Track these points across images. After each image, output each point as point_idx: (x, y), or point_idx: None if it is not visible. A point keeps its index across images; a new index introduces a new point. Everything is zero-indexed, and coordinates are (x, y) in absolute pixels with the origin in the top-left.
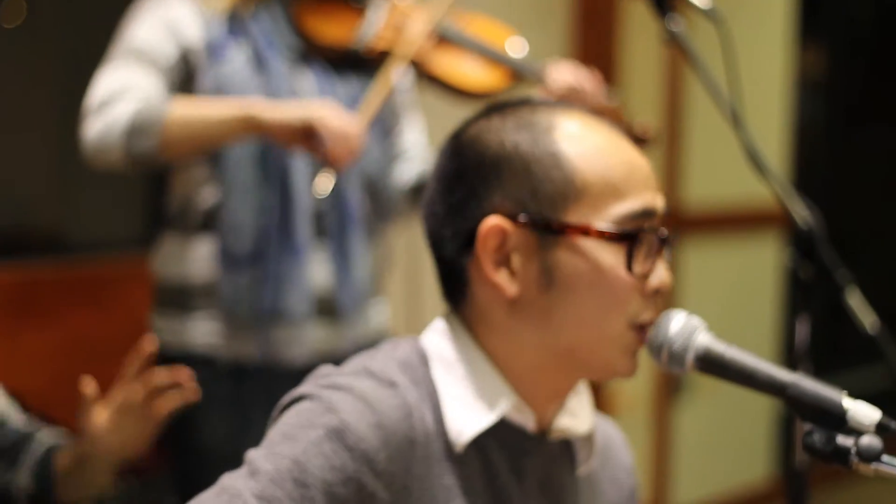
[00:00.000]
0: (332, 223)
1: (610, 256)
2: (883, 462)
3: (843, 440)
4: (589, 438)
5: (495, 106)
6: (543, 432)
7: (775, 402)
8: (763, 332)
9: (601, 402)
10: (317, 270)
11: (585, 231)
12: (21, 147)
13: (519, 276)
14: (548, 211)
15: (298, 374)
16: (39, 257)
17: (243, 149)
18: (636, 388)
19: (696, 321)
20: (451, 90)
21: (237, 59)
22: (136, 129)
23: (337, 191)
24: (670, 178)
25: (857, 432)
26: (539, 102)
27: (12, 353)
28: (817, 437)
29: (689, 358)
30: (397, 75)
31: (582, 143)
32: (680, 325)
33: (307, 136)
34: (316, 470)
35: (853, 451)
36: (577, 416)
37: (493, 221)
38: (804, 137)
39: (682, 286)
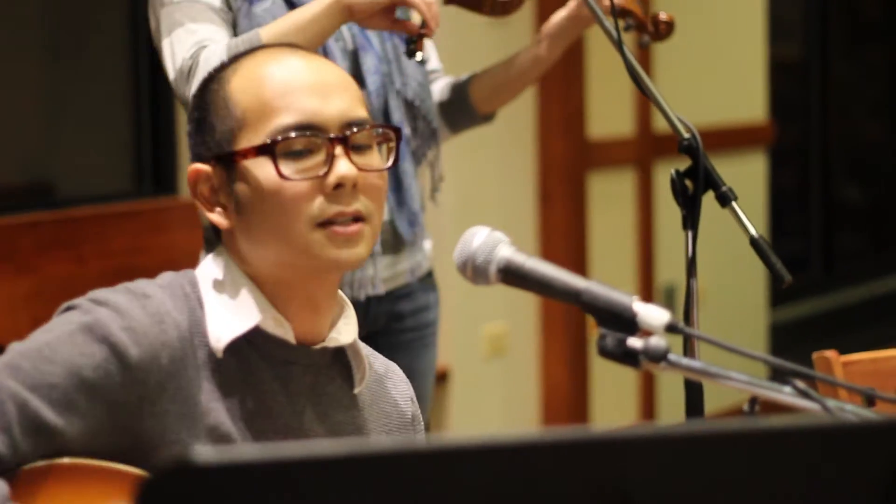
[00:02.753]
0: None
1: (267, 171)
2: (669, 361)
3: (633, 342)
4: (354, 352)
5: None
6: (309, 345)
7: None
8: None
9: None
10: None
11: (241, 154)
12: (9, 99)
13: (227, 210)
14: (224, 147)
15: (363, 307)
16: (22, 209)
17: None
18: None
19: (498, 235)
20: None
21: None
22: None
23: (384, 118)
24: (643, 106)
25: (647, 334)
26: (250, 52)
27: None
28: (609, 341)
29: (493, 271)
30: None
31: (244, 77)
32: (482, 240)
33: (391, 10)
34: (65, 353)
35: (641, 352)
36: (341, 331)
37: (191, 168)
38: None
39: (661, 206)
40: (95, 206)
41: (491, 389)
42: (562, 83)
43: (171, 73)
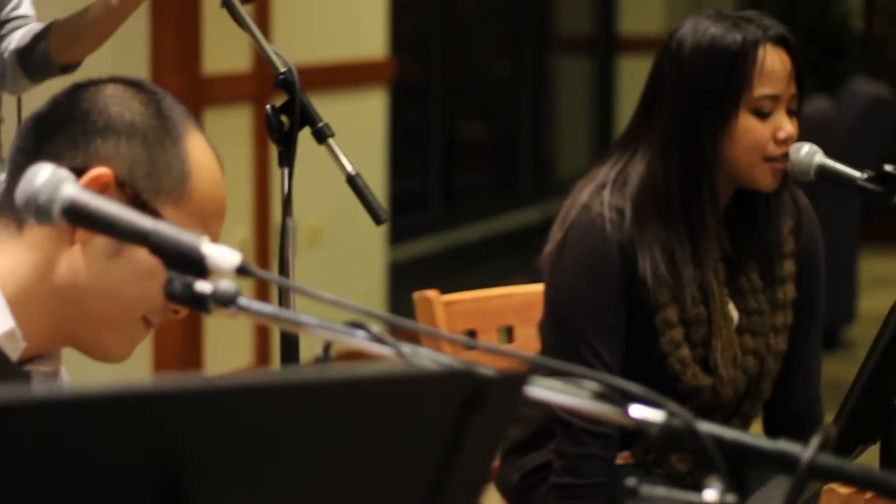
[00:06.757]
0: None
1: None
2: (239, 305)
3: (202, 286)
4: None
5: (128, 81)
6: (22, 362)
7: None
8: (374, 180)
9: None
10: None
11: (157, 213)
12: None
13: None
14: (151, 196)
15: None
16: None
17: None
18: None
19: (62, 173)
20: None
21: None
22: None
23: None
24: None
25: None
26: (174, 103)
27: None
28: (177, 285)
29: (56, 211)
30: None
31: (206, 163)
32: (45, 178)
33: None
34: None
35: (210, 296)
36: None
37: (102, 171)
38: None
39: None
40: None
41: None
42: (177, 18)
43: None
